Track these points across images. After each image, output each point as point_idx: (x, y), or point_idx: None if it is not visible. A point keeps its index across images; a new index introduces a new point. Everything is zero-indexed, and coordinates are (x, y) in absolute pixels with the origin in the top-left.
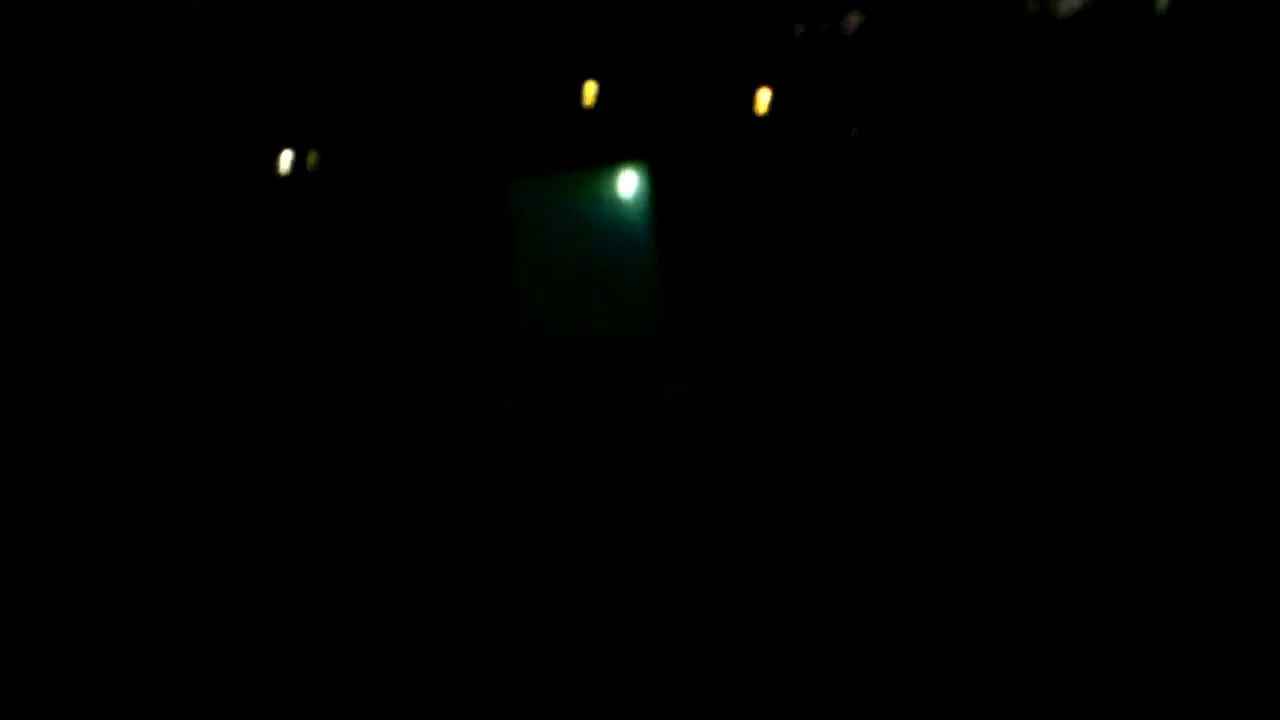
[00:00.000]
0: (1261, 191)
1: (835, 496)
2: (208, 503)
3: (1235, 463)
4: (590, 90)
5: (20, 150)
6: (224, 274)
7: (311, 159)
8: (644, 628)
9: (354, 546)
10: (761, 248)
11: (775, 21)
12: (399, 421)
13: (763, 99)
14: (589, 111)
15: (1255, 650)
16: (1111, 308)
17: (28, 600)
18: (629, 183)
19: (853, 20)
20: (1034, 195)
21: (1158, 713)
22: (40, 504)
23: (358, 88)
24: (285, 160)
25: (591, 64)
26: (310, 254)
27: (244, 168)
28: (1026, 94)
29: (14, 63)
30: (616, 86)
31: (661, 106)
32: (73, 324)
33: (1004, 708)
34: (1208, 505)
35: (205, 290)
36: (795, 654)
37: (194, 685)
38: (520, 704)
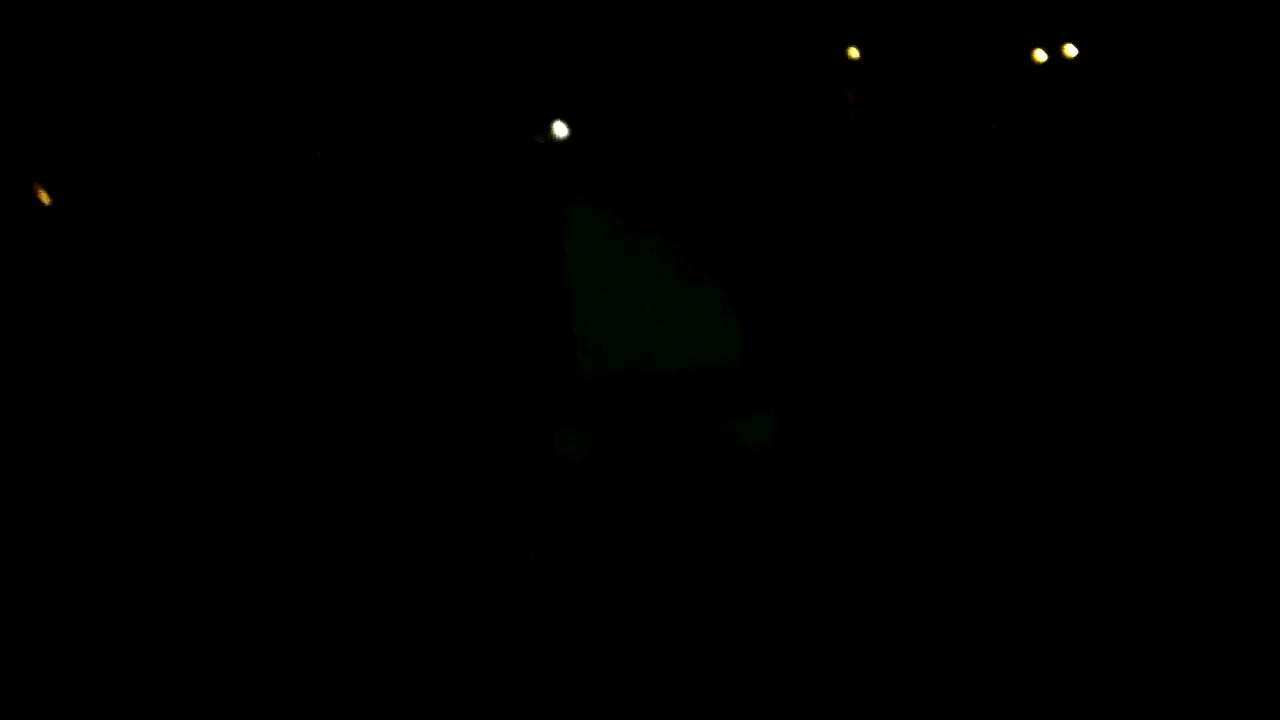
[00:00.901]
0: None
1: (943, 557)
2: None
3: None
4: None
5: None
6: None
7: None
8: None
9: (382, 589)
10: (858, 257)
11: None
12: (430, 457)
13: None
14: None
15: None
16: None
17: (28, 597)
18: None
19: None
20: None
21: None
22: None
23: (399, 93)
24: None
25: (653, 62)
26: (334, 278)
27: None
28: None
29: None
30: (680, 88)
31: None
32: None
33: None
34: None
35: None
36: None
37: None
38: None
